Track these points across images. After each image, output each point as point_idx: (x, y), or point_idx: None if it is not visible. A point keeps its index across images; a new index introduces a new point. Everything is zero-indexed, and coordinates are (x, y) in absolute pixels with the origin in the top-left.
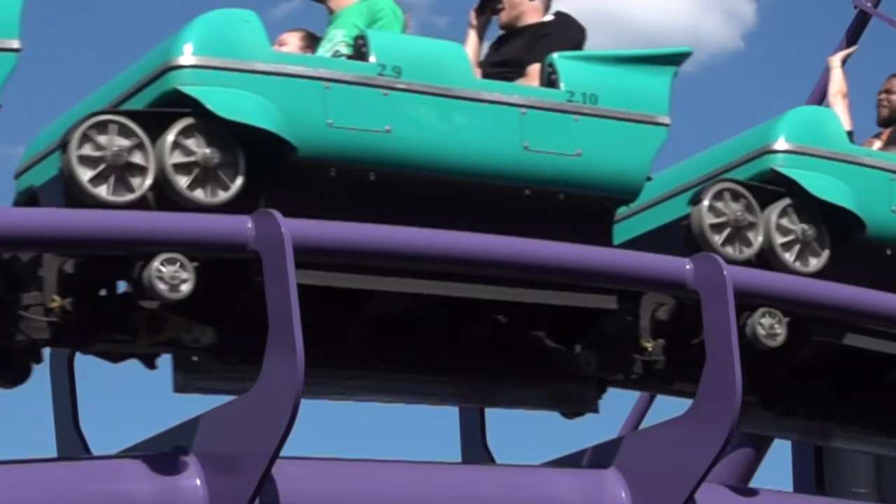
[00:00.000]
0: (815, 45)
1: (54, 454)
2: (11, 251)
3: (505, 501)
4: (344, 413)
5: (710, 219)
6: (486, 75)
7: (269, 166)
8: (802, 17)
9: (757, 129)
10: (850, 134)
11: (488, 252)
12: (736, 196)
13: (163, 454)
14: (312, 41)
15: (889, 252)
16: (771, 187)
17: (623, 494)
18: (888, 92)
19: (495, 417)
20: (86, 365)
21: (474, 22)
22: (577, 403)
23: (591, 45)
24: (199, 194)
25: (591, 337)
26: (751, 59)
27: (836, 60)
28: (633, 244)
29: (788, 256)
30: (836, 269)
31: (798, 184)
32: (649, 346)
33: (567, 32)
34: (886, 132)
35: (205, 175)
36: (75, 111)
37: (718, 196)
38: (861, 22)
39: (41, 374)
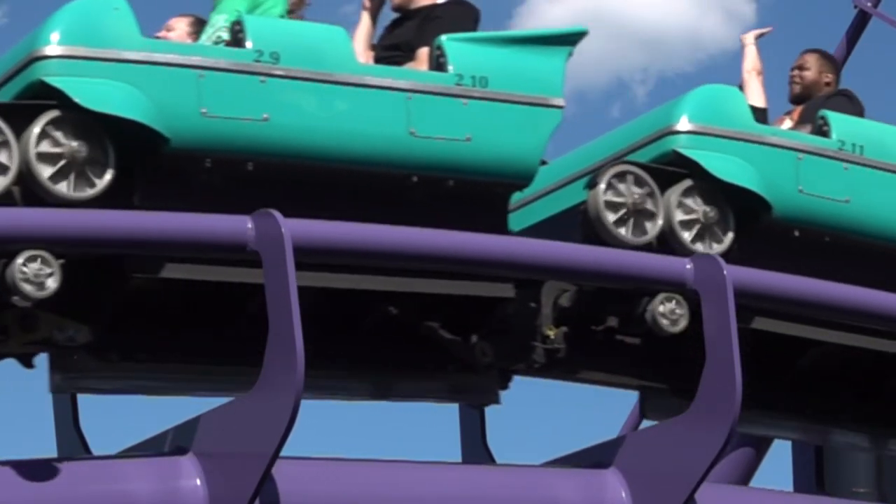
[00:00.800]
0: (814, 45)
1: (54, 454)
2: None
3: (505, 501)
4: (344, 413)
5: (606, 202)
6: (378, 59)
7: (142, 159)
8: (802, 17)
9: (659, 110)
10: (764, 112)
11: (493, 251)
12: (635, 179)
13: (163, 454)
14: (201, 27)
15: (797, 233)
16: (672, 169)
17: (623, 494)
18: (801, 68)
19: (495, 417)
20: None
21: (367, 4)
22: (478, 395)
23: (588, 46)
24: (65, 189)
25: (488, 327)
26: None
27: (749, 38)
28: (534, 231)
29: (690, 239)
30: (743, 251)
31: (700, 165)
32: (551, 333)
33: (459, 15)
34: (798, 110)
35: (72, 169)
36: None
37: (616, 179)
38: (861, 22)
39: (41, 373)
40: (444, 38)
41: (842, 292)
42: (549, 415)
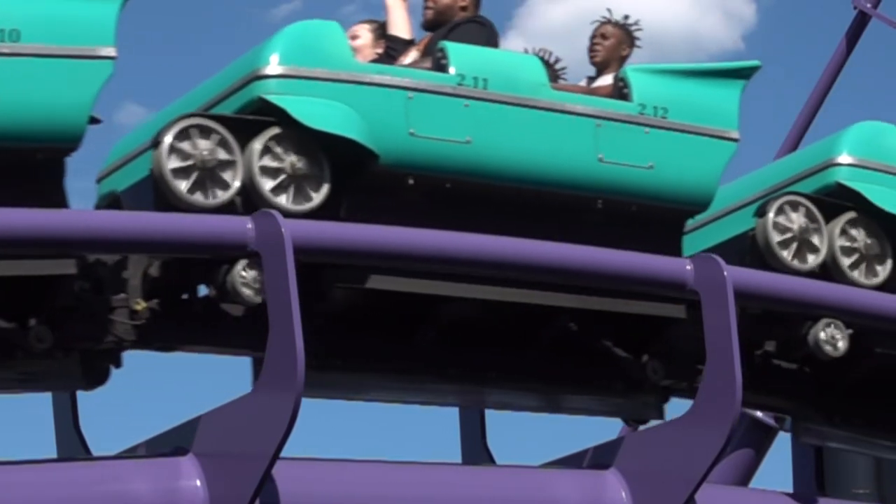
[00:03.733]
0: (815, 45)
1: (54, 454)
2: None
3: (505, 502)
4: (344, 413)
5: (173, 164)
6: None
7: None
8: (802, 18)
9: (248, 54)
10: (409, 43)
11: (472, 251)
12: (201, 132)
13: (163, 455)
14: None
15: (412, 181)
16: (255, 118)
17: (623, 495)
18: None
19: (495, 418)
20: None
21: None
22: (59, 381)
23: (581, 47)
24: None
25: (45, 308)
26: (751, 59)
27: None
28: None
29: (281, 199)
30: (354, 205)
31: (286, 112)
32: (139, 307)
33: None
34: (424, 40)
35: None
36: None
37: (180, 137)
38: (861, 22)
39: None
40: None
41: (841, 293)
42: (549, 415)
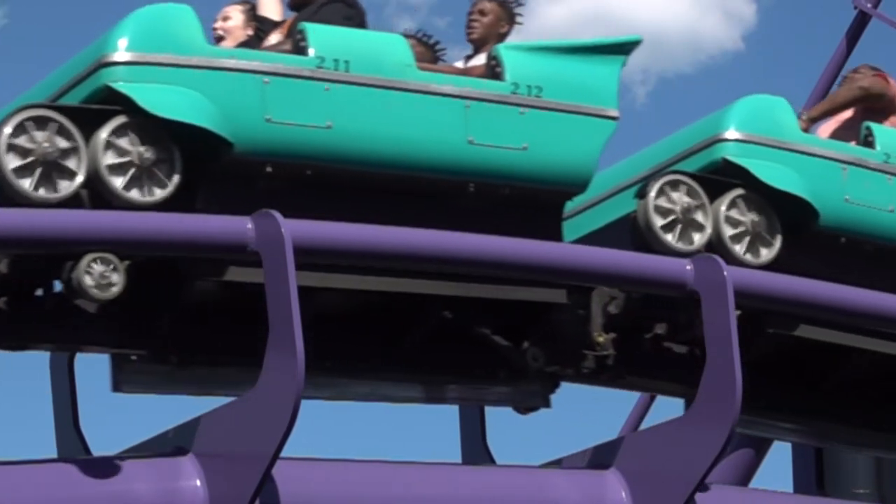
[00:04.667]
0: (815, 45)
1: (54, 454)
2: None
3: (505, 501)
4: (344, 413)
5: (14, 162)
6: None
7: None
8: (802, 18)
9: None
10: (280, 24)
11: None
12: (38, 125)
13: (163, 454)
14: None
15: (270, 169)
16: (100, 107)
17: (623, 495)
18: None
19: (495, 417)
20: (86, 365)
21: None
22: None
23: None
24: None
25: None
26: (751, 59)
27: None
28: None
29: (129, 191)
30: (207, 194)
31: (134, 102)
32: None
33: None
34: (288, 21)
35: None
36: None
37: (19, 131)
38: (861, 22)
39: (41, 374)
40: None
41: (837, 293)
42: (549, 415)
